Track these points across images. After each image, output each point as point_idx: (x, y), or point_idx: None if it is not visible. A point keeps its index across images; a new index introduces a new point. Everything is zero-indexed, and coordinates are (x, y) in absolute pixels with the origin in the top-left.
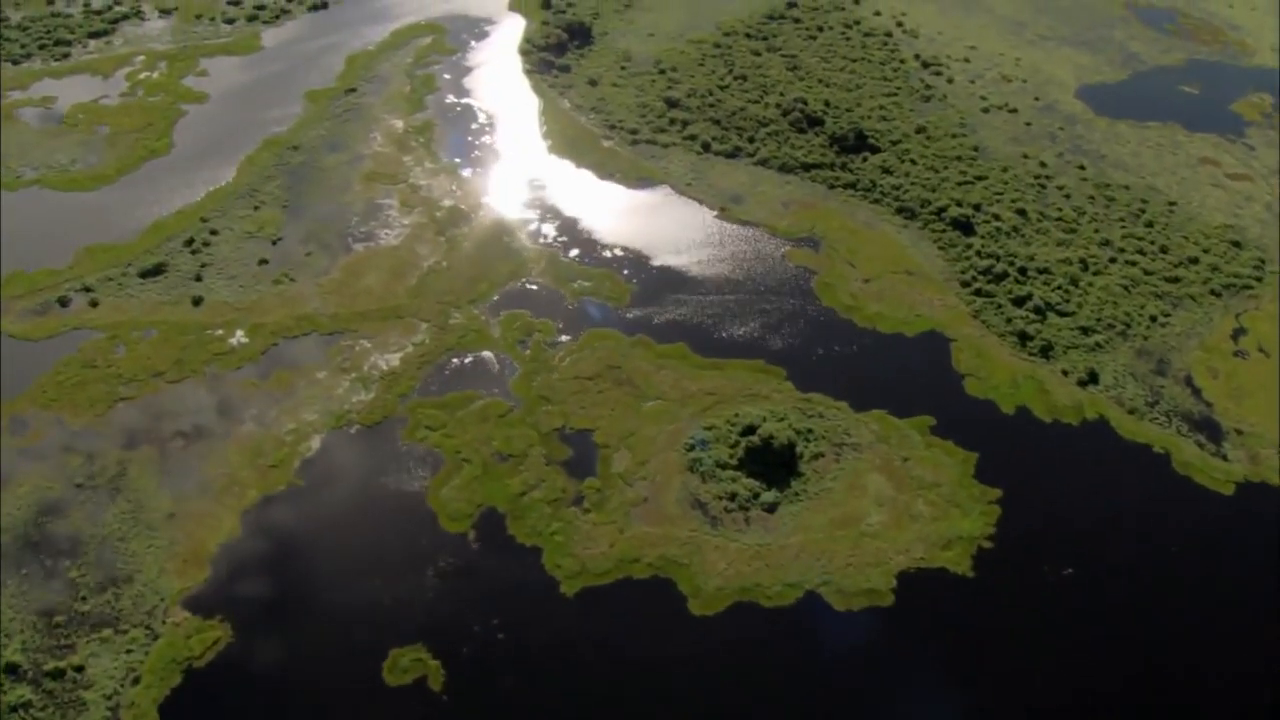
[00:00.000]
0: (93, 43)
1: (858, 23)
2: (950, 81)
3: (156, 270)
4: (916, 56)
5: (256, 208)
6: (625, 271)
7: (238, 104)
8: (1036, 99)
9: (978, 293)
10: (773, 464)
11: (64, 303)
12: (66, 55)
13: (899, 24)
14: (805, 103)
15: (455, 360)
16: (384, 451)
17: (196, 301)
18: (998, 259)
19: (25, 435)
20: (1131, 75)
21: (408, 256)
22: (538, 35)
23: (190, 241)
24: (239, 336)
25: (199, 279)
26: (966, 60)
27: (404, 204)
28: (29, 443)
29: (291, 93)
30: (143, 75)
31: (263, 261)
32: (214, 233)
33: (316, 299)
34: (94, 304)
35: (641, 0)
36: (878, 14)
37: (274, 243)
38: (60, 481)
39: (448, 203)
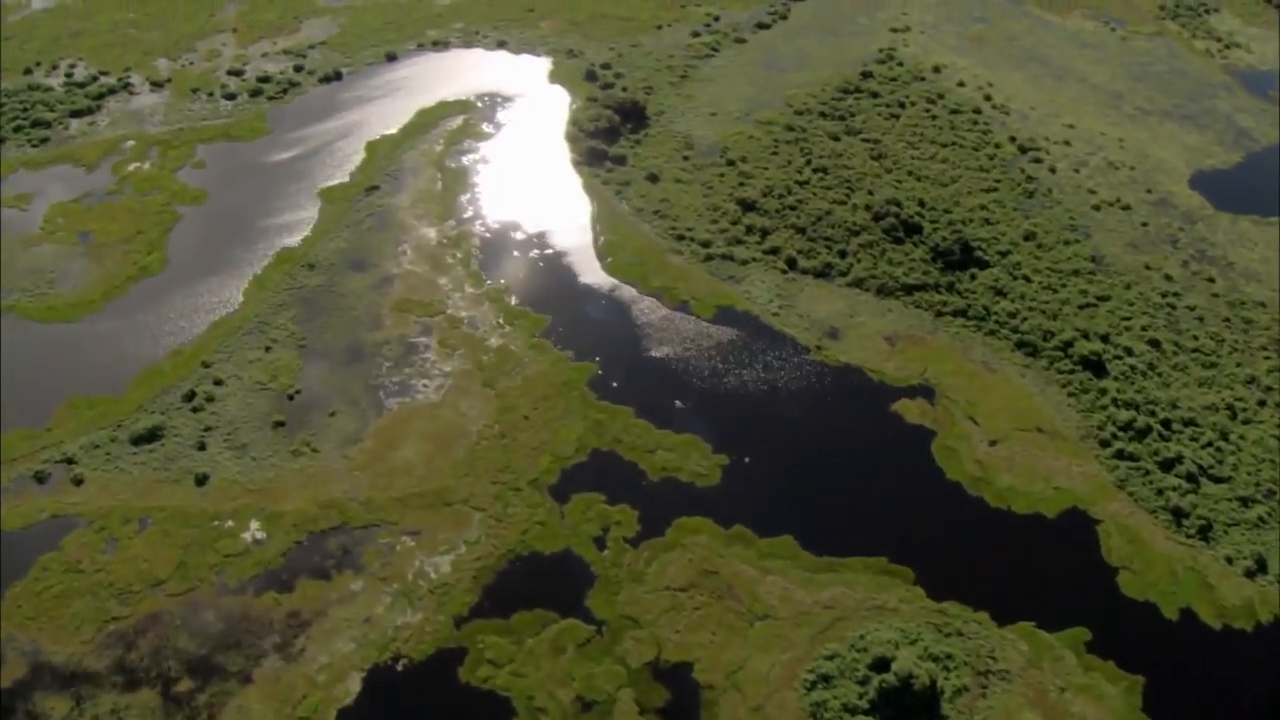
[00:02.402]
0: (75, 123)
1: (941, 96)
2: (1053, 171)
3: (151, 435)
4: (1012, 139)
5: (268, 348)
6: (714, 435)
7: (241, 205)
8: (1149, 191)
9: (1120, 455)
10: (910, 706)
11: (42, 479)
12: (45, 140)
13: (986, 97)
14: (899, 205)
15: (519, 565)
16: (440, 697)
17: (200, 480)
18: (1137, 408)
19: None
20: (1245, 157)
21: (452, 418)
22: (585, 117)
23: (191, 395)
24: (254, 530)
25: (202, 447)
26: (1066, 143)
27: (443, 344)
28: (3, 681)
29: (304, 190)
30: (132, 167)
31: (278, 424)
32: (218, 383)
33: (345, 478)
34: (78, 481)
35: (698, 70)
36: (961, 85)
37: (290, 397)
38: None
39: (495, 341)
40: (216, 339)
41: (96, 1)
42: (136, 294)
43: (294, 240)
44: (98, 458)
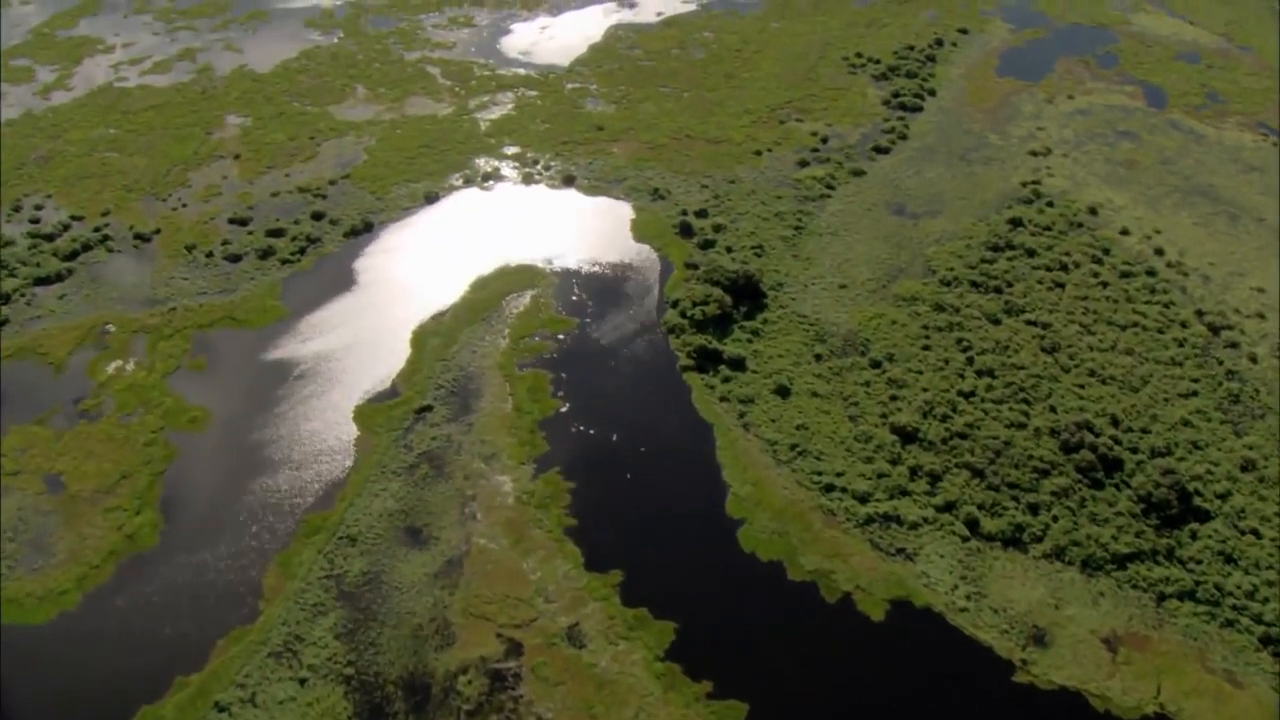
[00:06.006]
0: (41, 294)
1: (1107, 252)
2: (1254, 361)
3: None
4: (1199, 314)
5: (304, 680)
6: None
7: (255, 435)
8: None
9: None
10: None
11: None
12: (4, 323)
13: (1157, 250)
14: (1092, 430)
15: None
16: None
17: None
18: None
19: None
20: None
21: None
22: (688, 299)
23: None
24: None
25: None
26: (1260, 316)
27: (539, 674)
28: None
29: (334, 407)
30: (112, 367)
31: None
32: None
33: None
34: None
35: (815, 219)
36: (1125, 233)
37: None
38: None
39: (608, 666)
40: (233, 663)
41: (69, 113)
42: (122, 578)
43: (325, 491)
44: None
